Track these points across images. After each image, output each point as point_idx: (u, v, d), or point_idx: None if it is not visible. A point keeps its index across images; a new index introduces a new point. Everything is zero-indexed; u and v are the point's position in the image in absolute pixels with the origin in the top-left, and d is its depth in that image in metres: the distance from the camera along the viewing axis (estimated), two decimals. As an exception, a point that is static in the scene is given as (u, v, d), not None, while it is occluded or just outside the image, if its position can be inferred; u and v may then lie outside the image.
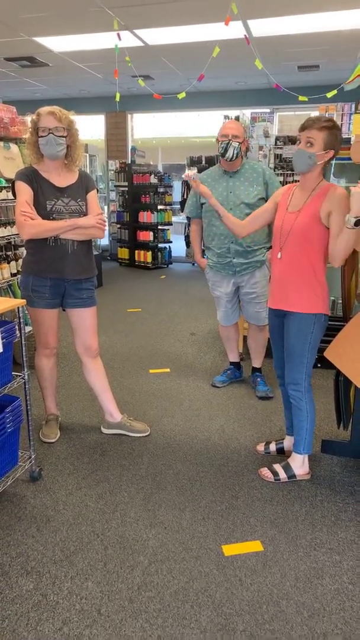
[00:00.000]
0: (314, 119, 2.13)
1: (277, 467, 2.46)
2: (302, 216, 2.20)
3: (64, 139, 2.40)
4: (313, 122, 2.12)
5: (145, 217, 8.41)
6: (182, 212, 8.87)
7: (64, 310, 2.67)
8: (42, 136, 2.37)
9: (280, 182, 3.21)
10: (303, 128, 2.15)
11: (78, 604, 1.73)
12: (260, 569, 1.89)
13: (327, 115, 4.34)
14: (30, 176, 2.44)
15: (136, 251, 8.55)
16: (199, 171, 3.16)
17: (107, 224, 8.90)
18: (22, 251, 3.70)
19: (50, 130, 2.35)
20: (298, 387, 2.35)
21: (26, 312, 3.10)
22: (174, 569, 1.89)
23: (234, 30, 4.99)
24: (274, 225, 2.36)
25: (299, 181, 2.30)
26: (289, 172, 6.39)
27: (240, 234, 2.58)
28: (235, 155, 2.97)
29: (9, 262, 3.56)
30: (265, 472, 2.46)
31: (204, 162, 8.29)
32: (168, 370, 3.87)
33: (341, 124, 4.41)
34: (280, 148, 6.14)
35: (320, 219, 2.16)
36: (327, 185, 2.19)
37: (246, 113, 7.68)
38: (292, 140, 5.91)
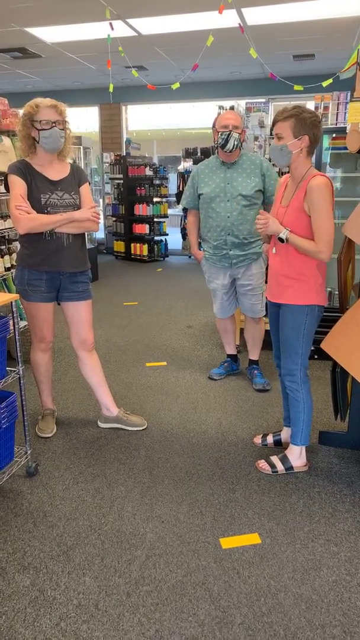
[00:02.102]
0: (279, 112, 2.13)
1: (275, 459, 2.45)
2: (289, 210, 2.19)
3: (64, 131, 2.38)
4: (277, 115, 2.13)
5: (140, 209, 8.36)
6: (178, 204, 8.83)
7: (59, 304, 2.65)
8: (44, 129, 2.33)
9: (276, 172, 3.18)
10: (273, 124, 2.16)
11: (75, 599, 1.72)
12: (257, 562, 1.89)
13: (322, 104, 4.30)
14: (24, 169, 2.40)
15: (132, 244, 8.51)
16: (195, 163, 3.13)
17: (102, 216, 8.85)
18: (16, 245, 3.67)
19: (54, 124, 2.32)
20: (294, 378, 2.34)
21: (21, 306, 3.07)
22: (172, 563, 1.88)
23: (228, 18, 4.93)
24: None
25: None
26: (285, 162, 6.35)
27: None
28: (235, 146, 2.94)
29: (2, 257, 3.53)
30: (263, 464, 2.46)
31: (199, 154, 8.22)
32: (165, 363, 3.85)
33: (337, 112, 4.36)
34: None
35: (306, 212, 2.15)
36: (310, 176, 2.16)
37: (241, 103, 7.61)
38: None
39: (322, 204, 2.09)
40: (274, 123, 2.15)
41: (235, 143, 2.92)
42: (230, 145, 2.92)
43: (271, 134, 6.43)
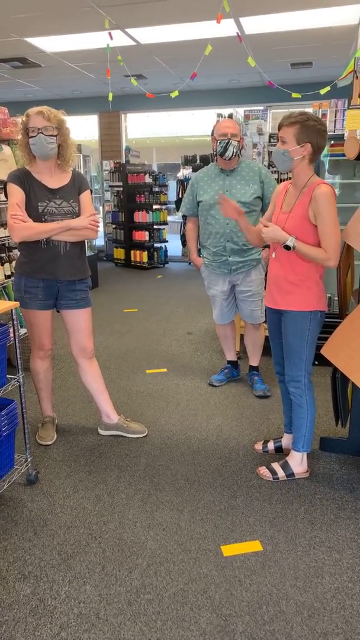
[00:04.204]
0: (286, 117, 2.12)
1: (276, 466, 2.44)
2: (292, 217, 2.19)
3: (54, 138, 2.38)
4: (283, 120, 2.12)
5: (140, 217, 8.38)
6: (177, 211, 8.86)
7: (58, 311, 2.65)
8: (32, 136, 2.35)
9: (275, 179, 3.20)
10: (278, 127, 2.16)
11: (76, 608, 1.71)
12: (259, 569, 1.88)
13: (320, 112, 4.33)
14: (22, 178, 2.42)
15: (132, 251, 8.53)
16: (194, 170, 3.15)
17: (101, 224, 8.88)
18: (16, 253, 3.68)
19: (40, 130, 2.33)
20: (298, 385, 2.34)
21: (20, 314, 3.08)
22: (173, 571, 1.87)
23: (226, 28, 4.98)
24: None
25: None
26: (284, 169, 6.37)
27: (259, 244, 2.55)
28: (234, 154, 2.96)
29: (2, 264, 3.54)
30: (264, 471, 2.45)
31: (198, 161, 8.26)
32: (165, 370, 3.85)
33: (335, 120, 4.40)
34: (274, 145, 6.14)
35: (310, 219, 2.14)
36: (315, 183, 2.16)
37: (239, 111, 7.67)
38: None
39: (329, 212, 2.09)
40: (280, 127, 2.14)
41: (234, 151, 2.95)
42: (229, 153, 2.94)
43: (270, 141, 6.47)
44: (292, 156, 2.12)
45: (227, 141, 2.93)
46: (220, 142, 2.96)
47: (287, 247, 2.16)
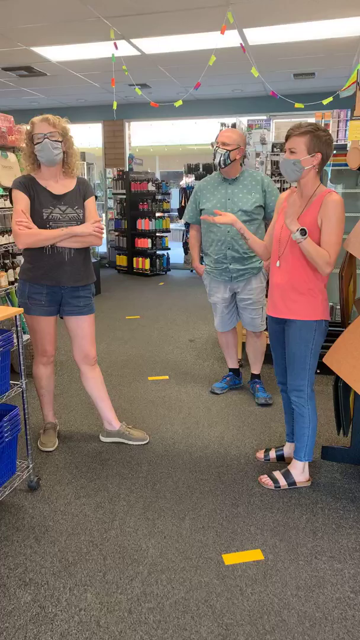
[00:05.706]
0: (295, 127, 2.14)
1: (277, 475, 2.44)
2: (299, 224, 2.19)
3: (60, 143, 2.40)
4: (293, 130, 2.14)
5: (143, 224, 8.42)
6: (180, 219, 8.90)
7: (61, 318, 2.66)
8: (37, 143, 2.37)
9: (278, 188, 3.22)
10: (286, 138, 2.17)
11: (77, 615, 1.71)
12: (260, 578, 1.87)
13: (322, 122, 4.37)
14: (27, 184, 2.44)
15: (134, 258, 8.56)
16: (197, 178, 3.19)
17: (105, 231, 8.92)
18: (20, 259, 3.70)
19: (45, 136, 2.36)
20: (301, 394, 2.34)
21: (24, 320, 3.09)
22: (174, 579, 1.86)
23: (229, 38, 5.03)
24: (273, 233, 2.35)
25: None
26: (286, 178, 6.41)
27: (265, 256, 2.48)
28: (222, 162, 2.99)
29: (6, 271, 3.56)
30: (265, 479, 2.44)
31: (201, 170, 8.32)
32: (167, 377, 3.85)
33: (337, 130, 4.45)
34: (277, 155, 6.17)
35: (318, 226, 2.15)
36: (324, 192, 2.18)
37: (243, 120, 7.72)
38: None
39: (337, 220, 2.11)
40: (288, 137, 2.16)
41: (222, 159, 2.98)
42: (216, 160, 3.01)
43: (273, 150, 6.51)
44: (303, 165, 2.13)
45: (215, 149, 3.00)
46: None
47: (303, 232, 2.08)
